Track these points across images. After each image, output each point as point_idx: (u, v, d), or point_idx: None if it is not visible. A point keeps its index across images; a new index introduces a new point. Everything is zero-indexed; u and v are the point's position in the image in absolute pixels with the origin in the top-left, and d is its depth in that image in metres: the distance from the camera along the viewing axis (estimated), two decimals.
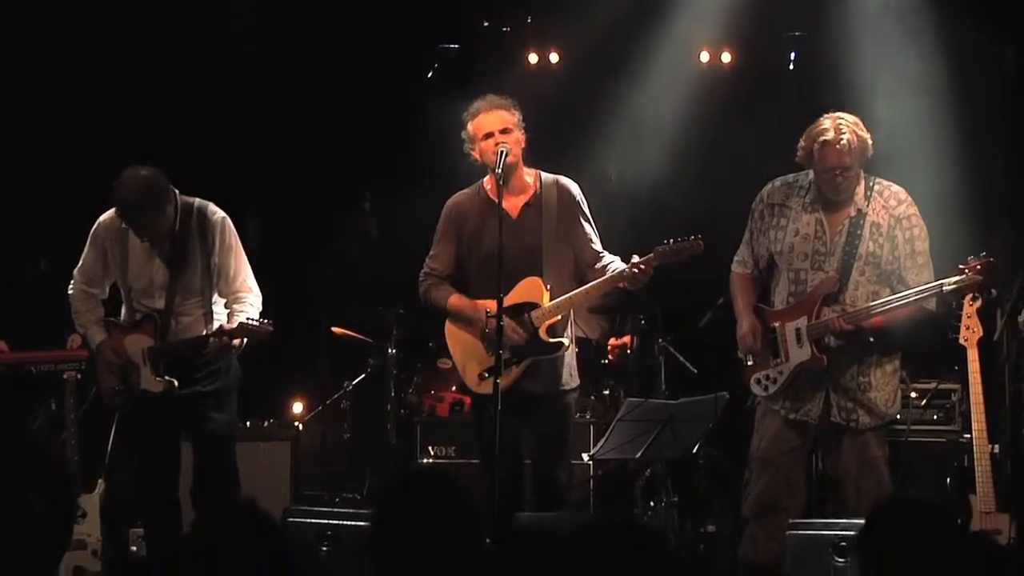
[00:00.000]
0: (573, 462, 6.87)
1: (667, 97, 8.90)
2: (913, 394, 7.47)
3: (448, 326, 6.53)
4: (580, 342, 6.85)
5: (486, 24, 9.43)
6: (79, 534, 6.79)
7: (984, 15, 8.12)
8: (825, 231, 6.26)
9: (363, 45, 9.00)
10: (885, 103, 8.06)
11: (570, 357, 6.47)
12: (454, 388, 8.56)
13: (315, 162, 9.22)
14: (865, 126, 6.22)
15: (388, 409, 8.59)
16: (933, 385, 7.57)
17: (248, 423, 8.09)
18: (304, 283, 8.62)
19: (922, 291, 6.12)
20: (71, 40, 8.57)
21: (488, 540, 3.45)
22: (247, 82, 8.84)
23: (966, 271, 6.06)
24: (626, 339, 8.55)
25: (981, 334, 6.18)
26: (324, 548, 5.80)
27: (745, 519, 6.43)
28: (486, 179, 6.48)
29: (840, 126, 6.13)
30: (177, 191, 6.48)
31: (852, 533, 5.48)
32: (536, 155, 6.51)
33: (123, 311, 6.64)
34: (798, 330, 6.23)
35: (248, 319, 6.40)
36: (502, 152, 6.21)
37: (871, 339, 6.20)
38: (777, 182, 6.45)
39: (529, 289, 6.31)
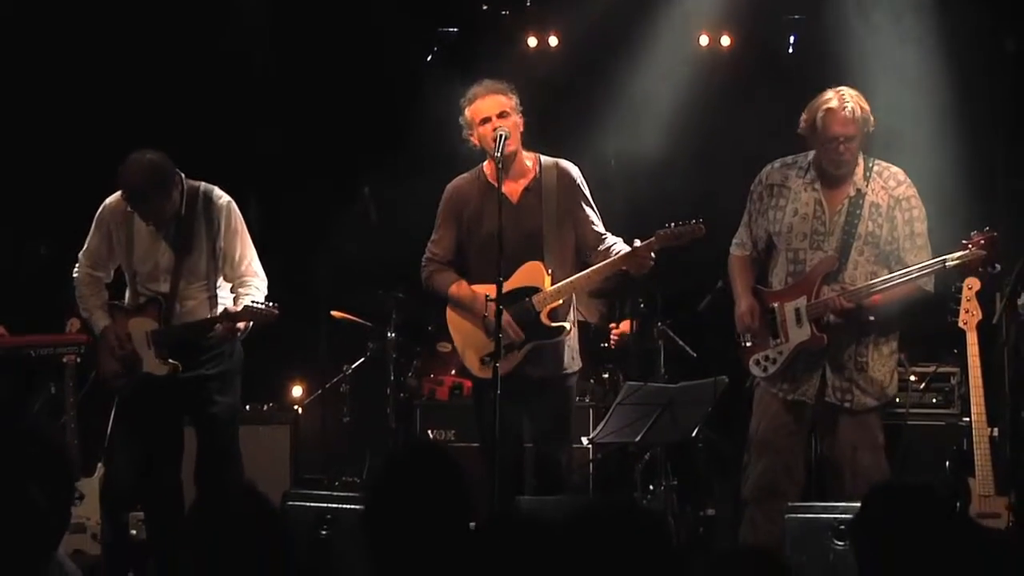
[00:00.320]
0: (573, 446, 6.88)
1: (666, 81, 8.88)
2: (912, 377, 7.48)
3: (449, 312, 6.53)
4: (579, 326, 6.85)
5: (485, 7, 9.41)
6: (78, 517, 6.82)
7: None
8: (824, 211, 6.26)
9: (362, 28, 8.99)
10: (885, 86, 8.04)
11: (572, 340, 6.47)
12: (453, 372, 8.56)
13: (315, 147, 9.21)
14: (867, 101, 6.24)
15: (387, 393, 8.59)
16: (932, 368, 7.58)
17: (248, 407, 8.07)
18: (303, 267, 8.60)
19: (924, 267, 6.11)
20: (72, 26, 8.55)
21: (474, 523, 3.45)
22: (247, 67, 8.84)
23: (969, 246, 6.04)
24: (625, 326, 8.54)
25: (980, 317, 6.18)
26: (323, 531, 5.81)
27: (744, 502, 6.43)
28: (485, 163, 6.47)
29: (844, 96, 6.17)
30: (183, 175, 6.48)
31: (851, 517, 5.48)
32: (535, 139, 6.51)
33: (127, 295, 6.65)
34: (797, 310, 6.23)
35: (253, 302, 6.40)
36: (501, 137, 6.21)
37: (870, 317, 6.19)
38: (776, 163, 6.45)
39: (530, 273, 6.32)
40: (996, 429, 6.43)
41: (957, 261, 6.04)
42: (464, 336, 6.48)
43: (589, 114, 9.15)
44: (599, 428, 6.73)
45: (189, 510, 3.25)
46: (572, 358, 6.47)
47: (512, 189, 6.40)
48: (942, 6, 8.09)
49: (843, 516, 5.53)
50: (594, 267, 6.34)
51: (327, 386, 8.86)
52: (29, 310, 7.73)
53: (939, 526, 3.24)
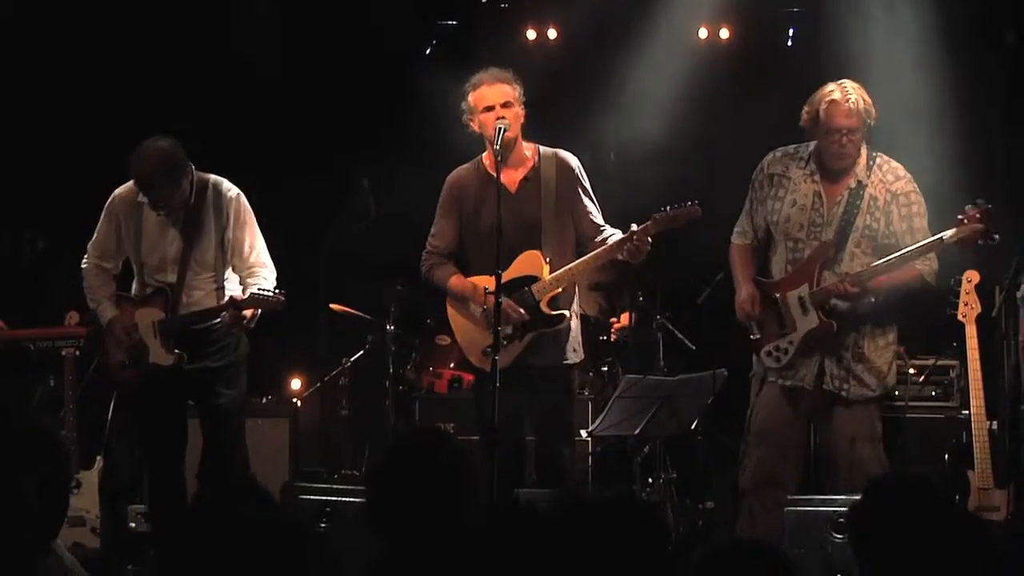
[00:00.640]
0: (574, 439, 6.87)
1: (665, 73, 8.88)
2: (911, 370, 7.49)
3: (449, 305, 6.53)
4: (579, 319, 6.85)
5: (484, 1, 9.41)
6: (77, 510, 6.80)
7: None
8: (823, 202, 6.26)
9: (362, 22, 8.98)
10: (884, 79, 8.04)
11: (575, 331, 6.47)
12: (452, 365, 8.56)
13: (314, 139, 9.20)
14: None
15: (386, 386, 8.59)
16: (931, 361, 7.57)
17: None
18: (302, 260, 8.61)
19: (921, 246, 6.09)
20: (69, 20, 8.54)
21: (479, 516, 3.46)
22: (247, 60, 8.82)
23: (964, 220, 6.02)
24: (624, 319, 8.54)
25: (979, 310, 6.18)
26: (323, 524, 5.81)
27: (741, 492, 6.43)
28: (484, 154, 6.46)
29: (847, 88, 6.16)
30: (193, 166, 6.49)
31: (850, 509, 5.49)
32: (535, 131, 6.50)
33: (134, 286, 6.65)
34: (801, 298, 6.22)
35: (260, 290, 6.41)
36: (500, 128, 6.20)
37: (872, 299, 6.18)
38: (778, 152, 6.44)
39: (528, 263, 6.31)
40: (995, 422, 6.42)
41: (954, 237, 6.02)
42: (464, 329, 6.47)
43: (588, 107, 9.15)
44: (598, 421, 6.73)
45: (190, 502, 3.25)
46: (574, 349, 6.46)
47: (511, 179, 6.39)
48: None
49: (842, 509, 5.53)
50: (592, 253, 6.32)
51: (326, 379, 8.87)
52: (27, 303, 7.73)
53: (938, 519, 3.23)
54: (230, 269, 6.60)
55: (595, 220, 6.45)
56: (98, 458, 7.13)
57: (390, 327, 8.57)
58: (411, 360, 8.84)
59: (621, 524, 3.02)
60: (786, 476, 6.29)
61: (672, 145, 8.87)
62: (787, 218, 6.30)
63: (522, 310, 6.26)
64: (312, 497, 5.94)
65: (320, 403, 8.89)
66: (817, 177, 6.29)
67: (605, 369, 8.43)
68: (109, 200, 6.64)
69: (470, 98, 6.38)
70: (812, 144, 6.32)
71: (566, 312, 6.37)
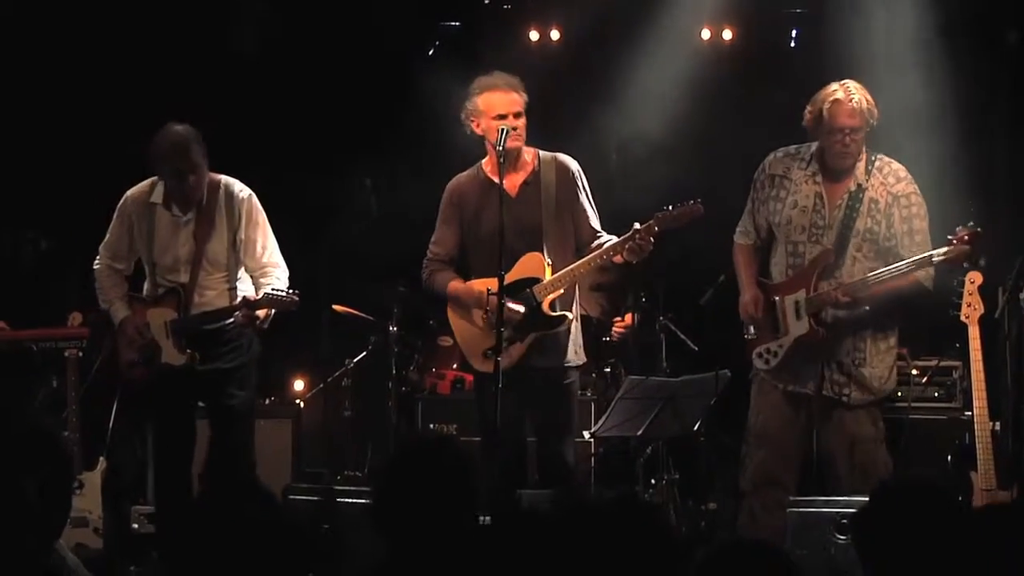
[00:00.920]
0: (575, 440, 6.87)
1: (668, 74, 8.87)
2: (914, 372, 7.48)
3: (450, 309, 6.53)
4: (581, 320, 6.85)
5: (487, 1, 9.41)
6: (80, 511, 6.81)
7: None
8: (824, 204, 6.26)
9: (364, 23, 8.98)
10: (886, 81, 8.03)
11: (576, 333, 6.47)
12: (455, 366, 8.55)
13: (316, 140, 9.20)
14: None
15: (389, 387, 8.58)
16: (934, 362, 7.56)
17: None
18: (304, 260, 8.61)
19: (912, 261, 6.11)
20: (69, 21, 8.54)
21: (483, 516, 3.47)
22: (249, 60, 8.82)
23: (954, 241, 6.04)
24: (628, 319, 8.53)
25: (982, 311, 6.18)
26: (325, 525, 5.81)
27: (742, 494, 6.43)
28: (485, 160, 6.47)
29: (850, 88, 6.18)
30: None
31: (853, 511, 5.48)
32: (537, 133, 6.50)
33: (146, 286, 6.66)
34: (797, 303, 6.23)
35: (273, 289, 6.42)
36: (503, 131, 6.20)
37: (866, 308, 6.18)
38: (780, 152, 6.45)
39: (530, 265, 6.31)
40: (998, 423, 6.42)
41: (942, 257, 6.06)
42: (465, 332, 6.48)
43: (590, 108, 9.14)
44: (601, 422, 6.73)
45: (193, 502, 3.25)
46: (575, 352, 6.47)
47: (511, 183, 6.39)
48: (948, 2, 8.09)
49: (844, 510, 5.54)
50: (594, 253, 6.32)
51: (329, 380, 8.86)
52: (30, 304, 7.73)
53: (945, 523, 3.21)
54: (242, 270, 6.60)
55: (593, 225, 6.45)
56: (101, 459, 7.14)
57: (393, 328, 8.56)
58: (414, 361, 8.84)
59: (625, 526, 3.02)
60: (787, 477, 6.29)
61: (674, 146, 8.86)
62: (788, 220, 6.30)
63: (521, 309, 6.26)
64: (314, 498, 5.94)
65: (323, 404, 8.88)
66: (819, 178, 6.29)
67: (608, 370, 8.42)
68: (121, 201, 6.65)
69: (478, 101, 6.37)
70: (814, 145, 6.32)
71: (567, 314, 6.37)
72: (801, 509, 5.76)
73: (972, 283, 6.17)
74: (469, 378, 8.00)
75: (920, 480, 3.36)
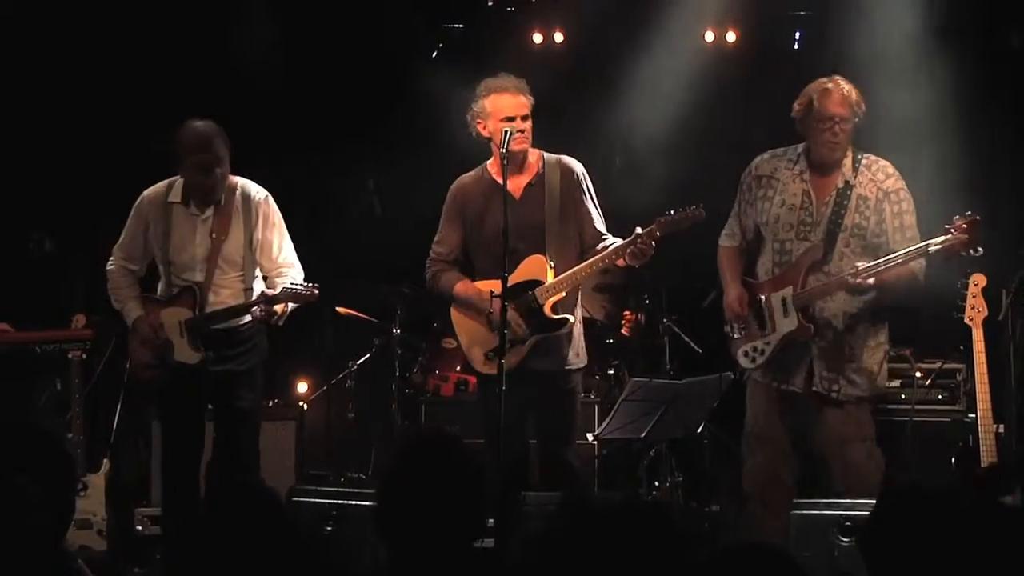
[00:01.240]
0: (578, 443, 6.87)
1: (672, 77, 8.87)
2: (918, 374, 7.48)
3: (454, 310, 6.54)
4: (584, 322, 6.85)
5: (490, 4, 9.41)
6: (84, 513, 6.82)
7: None
8: (812, 202, 6.28)
9: (368, 25, 8.99)
10: (889, 82, 8.04)
11: (578, 336, 6.47)
12: (459, 368, 8.56)
13: (320, 142, 9.20)
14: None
15: (393, 389, 8.58)
16: (938, 365, 7.57)
17: None
18: (308, 262, 8.61)
19: (908, 252, 6.10)
20: (74, 22, 8.55)
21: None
22: (253, 63, 8.82)
23: (952, 231, 6.03)
24: (634, 316, 8.54)
25: (986, 314, 6.17)
26: (329, 527, 5.81)
27: (747, 496, 6.43)
28: (490, 161, 6.48)
29: (839, 80, 6.24)
30: None
31: (857, 513, 5.49)
32: (540, 135, 6.50)
33: (160, 287, 6.66)
34: (784, 300, 6.23)
35: (292, 283, 6.44)
36: (506, 133, 6.21)
37: (864, 296, 6.17)
38: (766, 155, 6.48)
39: (533, 267, 6.32)
40: (1002, 425, 6.42)
41: (940, 245, 6.02)
42: (469, 334, 6.49)
43: (594, 110, 9.15)
44: (604, 424, 6.73)
45: (200, 504, 3.26)
46: (577, 354, 6.48)
47: (515, 185, 6.40)
48: (948, 1, 8.09)
49: (848, 512, 5.54)
50: (596, 256, 6.32)
51: (332, 382, 8.87)
52: (34, 306, 7.73)
53: (955, 532, 3.17)
54: (257, 272, 6.61)
55: (597, 227, 6.46)
56: (105, 461, 7.15)
57: (396, 330, 8.57)
58: (417, 363, 8.85)
59: (634, 529, 3.00)
60: (788, 476, 6.30)
61: (678, 147, 8.86)
62: (776, 218, 6.31)
63: (524, 323, 6.27)
64: (318, 500, 5.94)
65: (326, 406, 8.89)
66: (807, 176, 6.31)
67: (611, 372, 8.43)
68: (137, 201, 6.66)
69: (486, 103, 6.38)
70: (801, 145, 6.34)
71: (569, 316, 6.38)
72: (805, 511, 5.75)
73: (976, 285, 6.17)
74: (472, 380, 8.01)
75: (927, 487, 3.32)
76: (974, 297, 6.16)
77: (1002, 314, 6.44)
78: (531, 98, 6.39)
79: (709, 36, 9.19)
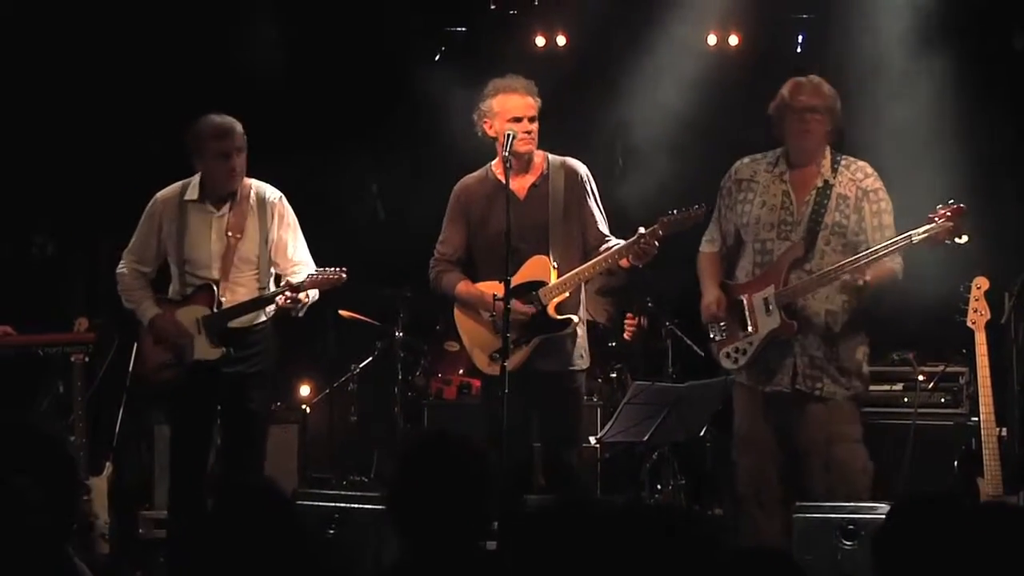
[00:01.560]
0: (582, 446, 6.88)
1: (674, 80, 8.87)
2: (921, 377, 7.48)
3: (457, 311, 6.55)
4: (587, 325, 6.86)
5: (493, 7, 9.41)
6: (86, 516, 6.81)
7: None
8: (792, 202, 6.29)
9: (372, 28, 9.00)
10: (890, 84, 8.05)
11: (581, 338, 6.48)
12: (461, 371, 8.56)
13: (323, 145, 9.20)
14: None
15: (395, 392, 8.59)
16: (941, 368, 7.56)
17: None
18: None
19: (890, 244, 6.09)
20: (76, 26, 8.55)
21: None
22: (257, 66, 8.83)
23: (935, 219, 6.03)
24: (637, 319, 8.54)
25: (988, 317, 6.18)
26: (331, 530, 5.81)
27: (739, 499, 6.42)
28: (494, 162, 6.48)
29: (812, 76, 6.32)
30: None
31: (860, 516, 5.49)
32: (543, 138, 6.51)
33: (172, 288, 6.64)
34: (766, 299, 6.23)
35: (317, 269, 6.47)
36: (509, 136, 6.22)
37: (843, 300, 6.18)
38: (746, 159, 6.52)
39: (536, 268, 6.33)
40: (1005, 429, 6.42)
41: (924, 235, 6.01)
42: (472, 334, 6.49)
43: (596, 113, 9.15)
44: (607, 427, 6.73)
45: (209, 508, 3.25)
46: (580, 355, 6.48)
47: (519, 186, 6.41)
48: (952, 4, 8.08)
49: (852, 516, 5.53)
50: (599, 257, 6.33)
51: (335, 385, 8.87)
52: (36, 309, 7.73)
53: (971, 542, 3.13)
54: (272, 271, 6.62)
55: (601, 229, 6.47)
56: (107, 464, 7.14)
57: (399, 333, 8.58)
58: (420, 366, 8.85)
59: (636, 533, 3.00)
60: (779, 477, 6.29)
61: (680, 151, 8.86)
62: (757, 219, 6.33)
63: (528, 308, 6.27)
64: (321, 503, 5.94)
65: (329, 409, 8.89)
66: (786, 176, 6.34)
67: (614, 375, 8.43)
68: (150, 203, 6.66)
69: (494, 103, 6.38)
70: (780, 148, 6.36)
71: (573, 317, 6.38)
72: (807, 514, 5.74)
73: (979, 288, 6.18)
74: (475, 383, 8.02)
75: (940, 496, 3.26)
76: (976, 300, 6.16)
77: (1005, 317, 6.44)
78: (539, 100, 6.40)
79: (711, 39, 9.19)
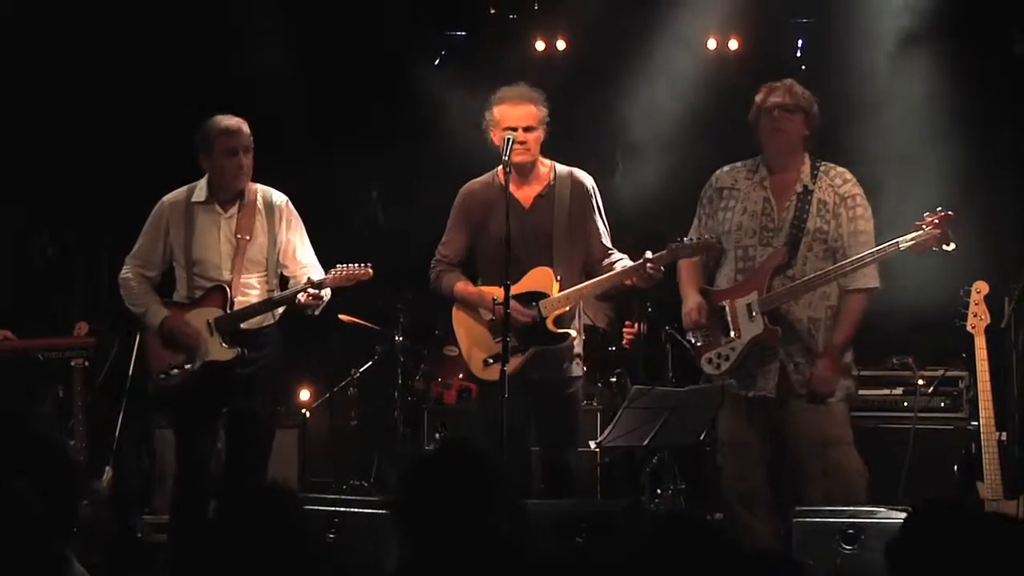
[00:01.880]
0: (580, 449, 6.87)
1: (674, 84, 8.87)
2: (920, 381, 7.48)
3: (456, 312, 6.55)
4: (586, 329, 6.86)
5: (493, 11, 9.42)
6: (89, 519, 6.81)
7: None
8: (772, 208, 6.31)
9: (371, 32, 9.00)
10: (891, 90, 8.05)
11: (578, 347, 6.48)
12: (461, 375, 8.56)
13: (322, 150, 9.20)
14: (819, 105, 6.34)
15: (395, 396, 8.59)
16: (940, 372, 7.57)
17: None
18: None
19: (878, 251, 6.12)
20: (74, 36, 8.55)
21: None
22: (257, 71, 8.83)
23: (923, 226, 6.04)
24: (636, 326, 8.54)
25: (988, 321, 6.18)
26: (331, 535, 5.81)
27: (729, 504, 6.42)
28: (500, 168, 6.48)
29: (788, 79, 6.38)
30: None
31: (860, 520, 5.48)
32: (543, 144, 6.50)
33: (179, 291, 6.62)
34: (749, 305, 6.24)
35: (341, 263, 6.47)
36: (508, 141, 6.22)
37: (828, 305, 6.20)
38: (726, 167, 6.55)
39: (539, 279, 6.33)
40: (1004, 433, 6.42)
41: (911, 242, 6.04)
42: (469, 336, 6.49)
43: (596, 118, 9.15)
44: (606, 432, 6.72)
45: (218, 506, 3.24)
46: (575, 364, 6.48)
47: (525, 195, 6.42)
48: (950, 8, 8.08)
49: (851, 520, 5.53)
50: (604, 276, 6.35)
51: (335, 389, 8.87)
52: (36, 313, 7.73)
53: (991, 550, 3.09)
54: (282, 271, 6.64)
55: (604, 243, 6.48)
56: (107, 468, 7.14)
57: (399, 338, 8.58)
58: (420, 371, 8.85)
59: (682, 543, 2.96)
60: (767, 481, 6.29)
61: (680, 155, 8.86)
62: (739, 225, 6.35)
63: (528, 312, 6.27)
64: (320, 508, 5.94)
65: (329, 414, 8.90)
66: (767, 183, 6.36)
67: (613, 380, 8.43)
68: (156, 206, 6.65)
69: (495, 111, 6.39)
70: (760, 156, 6.39)
71: (571, 332, 6.40)
72: (807, 519, 5.74)
73: (979, 293, 6.18)
74: (475, 388, 8.01)
75: (959, 504, 3.22)
76: (976, 305, 6.16)
77: (1004, 322, 6.44)
78: (542, 107, 6.39)
79: (711, 43, 9.20)
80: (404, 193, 8.90)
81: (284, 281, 6.67)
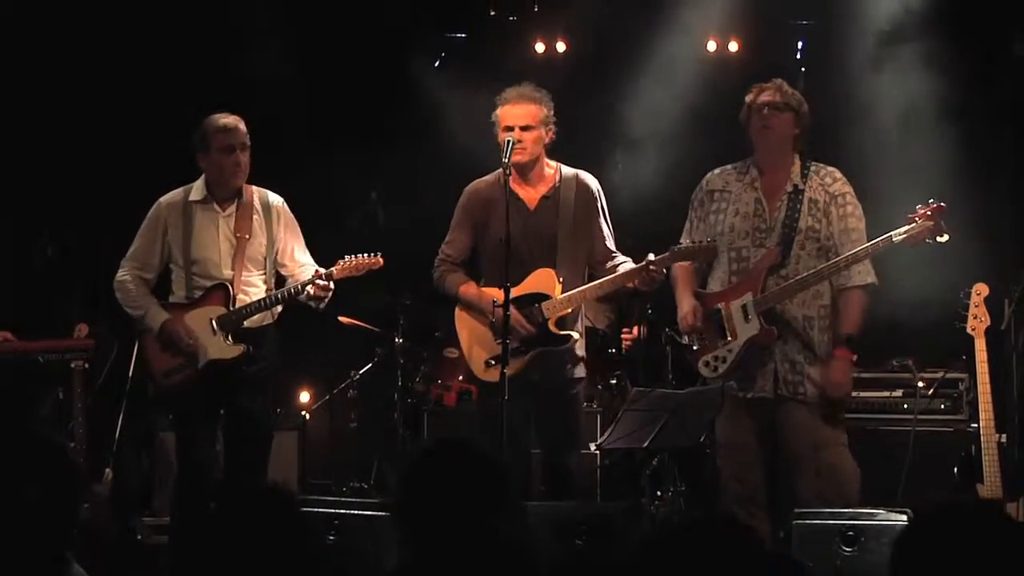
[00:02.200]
0: (581, 452, 6.87)
1: (674, 86, 8.87)
2: (920, 383, 7.47)
3: (458, 312, 6.55)
4: (587, 332, 6.85)
5: (493, 13, 9.42)
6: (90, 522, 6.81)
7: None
8: (764, 208, 6.32)
9: (371, 33, 9.00)
10: (891, 91, 8.05)
11: (579, 349, 6.48)
12: (461, 377, 8.55)
13: (320, 150, 9.20)
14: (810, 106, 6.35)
15: (395, 398, 8.58)
16: (940, 374, 7.56)
17: None
18: None
19: (870, 246, 6.12)
20: (75, 32, 8.56)
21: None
22: (257, 72, 8.83)
23: (915, 219, 6.04)
24: (635, 331, 8.54)
25: (988, 323, 6.18)
26: (331, 537, 5.80)
27: (726, 505, 6.43)
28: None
29: (777, 79, 6.40)
30: None
31: (860, 522, 5.48)
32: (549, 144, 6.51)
33: (175, 292, 6.62)
34: (744, 306, 6.24)
35: (348, 256, 6.48)
36: (508, 143, 6.23)
37: (822, 304, 6.21)
38: (716, 170, 6.57)
39: (541, 280, 6.33)
40: (1004, 435, 6.42)
41: (904, 235, 6.04)
42: (471, 337, 6.49)
43: (596, 119, 9.15)
44: (607, 434, 6.72)
45: (218, 507, 3.23)
46: (577, 366, 6.48)
47: (530, 196, 6.43)
48: (951, 9, 8.09)
49: (851, 522, 5.52)
50: (607, 279, 6.36)
51: (334, 392, 8.87)
52: (36, 315, 7.73)
53: (1001, 553, 3.06)
54: (281, 270, 6.65)
55: (608, 245, 6.49)
56: (107, 470, 7.14)
57: (399, 340, 8.57)
58: (420, 373, 8.84)
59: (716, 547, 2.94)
60: (763, 482, 6.30)
61: (680, 157, 8.86)
62: (731, 227, 6.36)
63: (529, 325, 6.28)
64: (320, 510, 5.94)
65: (328, 416, 8.89)
66: (757, 184, 6.37)
67: (614, 382, 8.43)
68: (154, 207, 6.65)
69: (497, 111, 6.42)
70: (750, 158, 6.40)
71: (573, 334, 6.40)
72: (807, 520, 5.74)
73: (978, 295, 6.18)
74: (475, 390, 8.01)
75: (967, 505, 3.19)
76: (976, 307, 6.17)
77: (1004, 324, 6.44)
78: (544, 107, 6.40)
79: (711, 45, 9.20)
80: (404, 193, 8.90)
81: (281, 281, 6.67)
